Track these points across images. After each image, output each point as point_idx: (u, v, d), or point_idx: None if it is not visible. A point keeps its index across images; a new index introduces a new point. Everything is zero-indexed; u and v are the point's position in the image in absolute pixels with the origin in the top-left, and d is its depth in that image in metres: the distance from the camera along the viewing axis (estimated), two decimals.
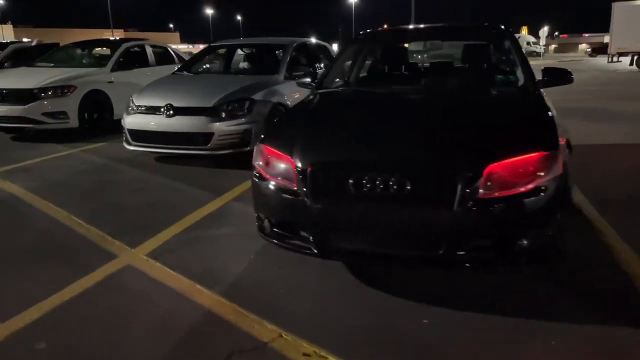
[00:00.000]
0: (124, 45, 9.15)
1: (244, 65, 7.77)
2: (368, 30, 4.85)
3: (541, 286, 2.85)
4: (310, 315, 2.63)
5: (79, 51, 10.05)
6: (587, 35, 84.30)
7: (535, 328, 2.44)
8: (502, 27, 4.23)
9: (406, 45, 5.01)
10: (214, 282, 3.00)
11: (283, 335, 2.42)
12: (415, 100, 3.47)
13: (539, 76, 3.62)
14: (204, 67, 8.64)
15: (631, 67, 26.18)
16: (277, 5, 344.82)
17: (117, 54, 8.88)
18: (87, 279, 3.06)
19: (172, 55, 10.36)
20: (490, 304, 2.68)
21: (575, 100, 10.67)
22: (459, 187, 2.39)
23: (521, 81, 3.62)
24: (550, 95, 3.59)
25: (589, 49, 49.12)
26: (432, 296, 2.77)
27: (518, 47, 3.92)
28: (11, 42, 11.62)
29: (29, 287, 2.99)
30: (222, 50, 8.41)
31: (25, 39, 16.38)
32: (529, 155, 2.49)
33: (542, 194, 2.43)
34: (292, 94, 6.58)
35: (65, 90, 7.75)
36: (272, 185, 2.84)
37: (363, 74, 4.49)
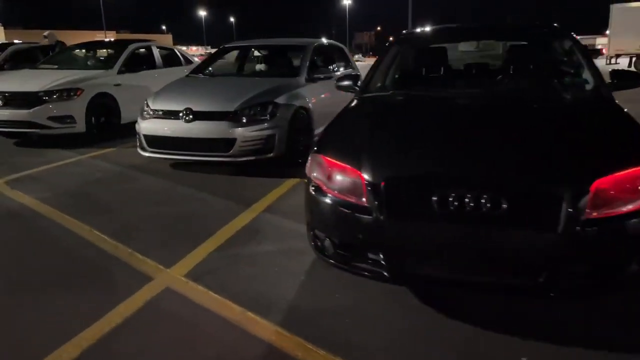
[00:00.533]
0: (131, 47, 8.80)
1: (260, 67, 7.46)
2: (411, 30, 4.56)
3: None
4: (388, 355, 2.32)
5: (83, 53, 9.72)
6: (579, 37, 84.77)
7: None
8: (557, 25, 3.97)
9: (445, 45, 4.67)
10: (266, 309, 2.70)
11: None
12: (486, 106, 3.16)
13: None
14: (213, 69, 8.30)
15: (629, 68, 26.18)
16: (270, 6, 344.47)
17: (123, 55, 8.53)
18: (125, 306, 2.74)
19: (178, 56, 10.04)
20: (600, 336, 2.38)
21: None
22: (564, 205, 2.10)
23: (590, 84, 3.34)
24: None
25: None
26: (525, 327, 2.46)
27: (582, 48, 3.65)
28: (10, 44, 11.22)
29: (62, 318, 2.67)
30: (236, 52, 8.08)
31: (16, 41, 15.90)
32: (637, 169, 2.21)
33: None
34: (314, 96, 6.30)
35: (72, 94, 7.41)
36: (335, 200, 2.55)
37: (408, 76, 4.18)
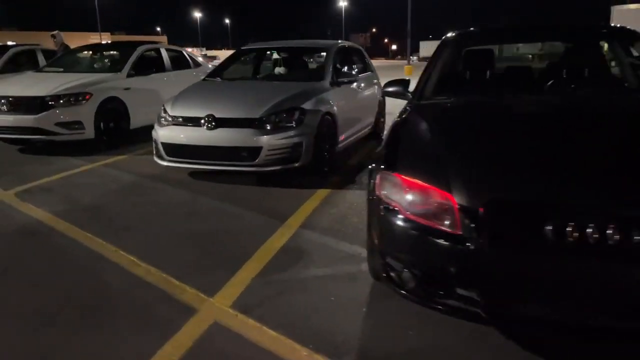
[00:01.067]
0: (140, 49, 8.43)
1: (279, 70, 7.11)
2: (465, 29, 4.22)
3: None
4: None
5: (89, 55, 9.35)
6: None
7: None
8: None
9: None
10: (333, 350, 2.36)
11: None
12: (573, 115, 2.82)
13: None
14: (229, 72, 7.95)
15: None
16: (265, 8, 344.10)
17: (132, 58, 8.15)
18: (173, 347, 2.40)
19: (187, 59, 9.68)
20: None
21: None
22: None
23: None
24: None
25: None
26: None
27: None
28: (12, 45, 10.81)
29: None
30: (253, 55, 7.73)
31: (10, 42, 15.47)
32: None
33: None
34: (339, 101, 5.97)
35: (80, 98, 7.03)
36: (418, 227, 2.21)
37: (467, 81, 3.83)
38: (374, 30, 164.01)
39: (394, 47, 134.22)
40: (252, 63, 7.83)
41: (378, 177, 2.48)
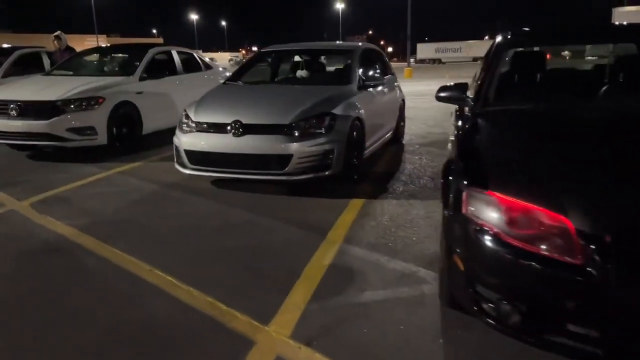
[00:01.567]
0: (152, 51, 8.14)
1: (301, 73, 6.83)
2: (524, 29, 3.94)
3: None
4: None
5: (98, 58, 9.06)
6: None
7: None
8: None
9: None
10: None
11: None
12: None
13: None
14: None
15: None
16: (262, 10, 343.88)
17: (144, 61, 7.86)
18: None
19: (198, 61, 9.41)
20: None
21: None
22: None
23: None
24: None
25: (569, 53, 49.93)
26: None
27: None
28: (15, 48, 10.46)
29: None
30: (270, 57, 7.44)
31: (5, 45, 15.11)
32: None
33: None
34: (365, 106, 5.71)
35: (93, 103, 6.74)
36: (524, 254, 1.94)
37: (535, 85, 3.56)
38: (370, 32, 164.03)
39: (390, 49, 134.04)
40: (270, 66, 7.54)
41: (464, 194, 2.21)
